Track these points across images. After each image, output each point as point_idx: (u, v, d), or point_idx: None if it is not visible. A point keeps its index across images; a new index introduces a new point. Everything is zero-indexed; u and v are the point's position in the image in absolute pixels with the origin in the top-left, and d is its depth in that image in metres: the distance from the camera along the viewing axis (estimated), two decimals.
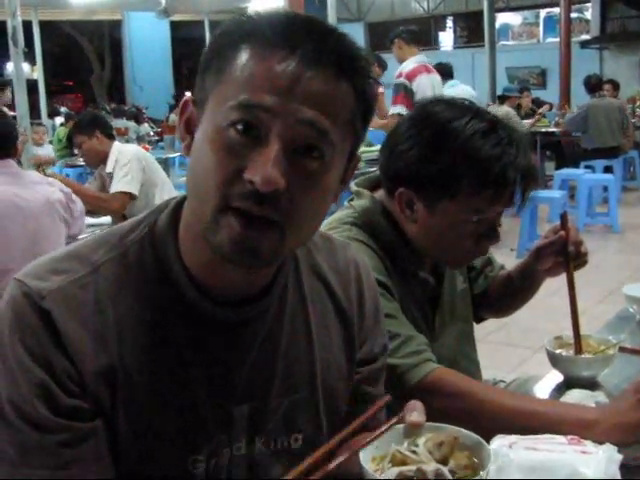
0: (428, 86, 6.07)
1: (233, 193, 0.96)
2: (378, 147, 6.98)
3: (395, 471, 0.91)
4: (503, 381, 2.28)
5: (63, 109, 17.96)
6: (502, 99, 10.45)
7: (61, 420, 1.00)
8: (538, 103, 12.70)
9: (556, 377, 1.88)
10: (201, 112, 1.02)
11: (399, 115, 5.93)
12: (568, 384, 1.80)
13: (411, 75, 6.01)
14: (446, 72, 8.04)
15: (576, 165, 9.96)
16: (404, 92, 5.97)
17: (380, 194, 1.79)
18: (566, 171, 9.49)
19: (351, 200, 1.83)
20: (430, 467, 0.91)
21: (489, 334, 4.73)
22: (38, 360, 1.00)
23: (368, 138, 7.80)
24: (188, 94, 1.15)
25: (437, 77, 6.22)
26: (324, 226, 1.74)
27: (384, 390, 1.33)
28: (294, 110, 0.95)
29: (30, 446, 0.99)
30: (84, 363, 1.01)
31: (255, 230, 0.96)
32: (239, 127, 0.95)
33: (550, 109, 13.00)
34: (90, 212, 4.66)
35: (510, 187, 1.62)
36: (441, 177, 1.61)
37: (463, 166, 1.59)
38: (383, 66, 8.63)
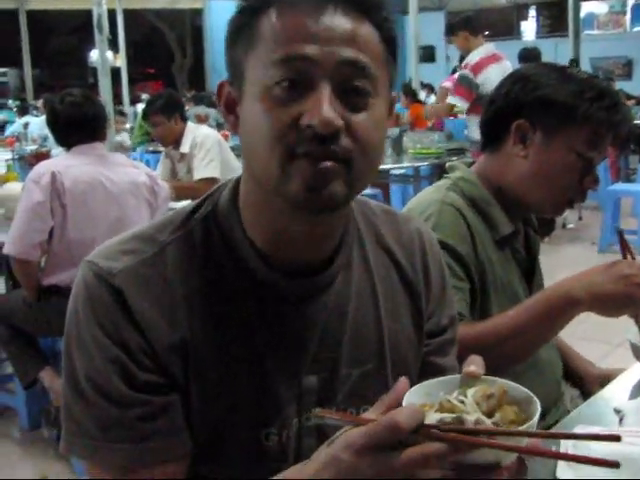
0: (498, 75, 5.93)
1: (295, 142, 0.97)
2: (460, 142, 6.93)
3: (436, 417, 0.90)
4: None
5: (144, 96, 18.24)
6: None
7: (138, 394, 1.03)
8: (624, 96, 12.40)
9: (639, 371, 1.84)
10: (240, 86, 1.04)
11: (452, 107, 5.96)
12: None
13: (477, 68, 5.86)
14: (531, 58, 7.74)
15: None
16: (467, 85, 5.86)
17: (475, 166, 1.89)
18: None
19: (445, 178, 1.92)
20: (472, 417, 0.90)
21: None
22: (112, 337, 1.03)
23: (450, 130, 7.75)
24: None
25: (508, 64, 6.01)
26: (419, 194, 1.86)
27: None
28: (334, 53, 0.97)
29: (109, 421, 1.02)
30: (156, 338, 1.04)
31: (326, 169, 0.97)
32: (285, 84, 0.98)
33: (639, 103, 12.70)
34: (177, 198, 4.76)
35: (615, 131, 1.74)
36: (565, 103, 1.71)
37: (589, 93, 1.71)
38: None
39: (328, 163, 0.97)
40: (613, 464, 0.85)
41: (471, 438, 0.85)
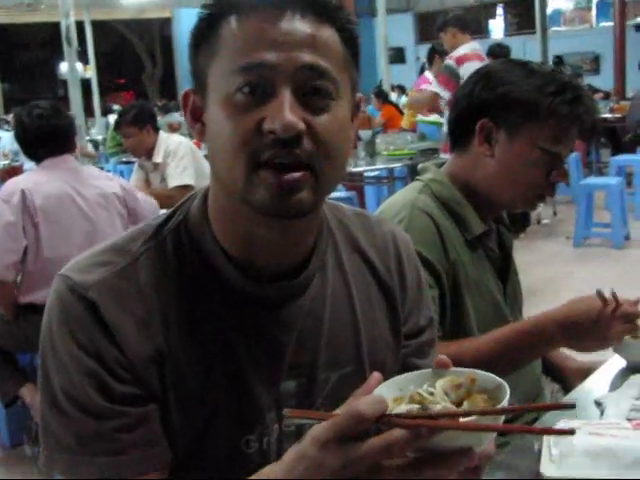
0: None
1: (258, 148, 0.98)
2: (432, 142, 6.96)
3: (405, 408, 0.91)
4: None
5: (116, 107, 18.16)
6: None
7: (114, 406, 1.02)
8: (591, 90, 12.52)
9: (619, 363, 1.85)
10: (204, 95, 1.05)
11: (436, 95, 5.94)
12: (633, 369, 1.78)
13: (460, 60, 5.89)
14: (501, 55, 7.77)
15: (633, 152, 9.76)
16: (449, 74, 5.89)
17: (445, 167, 1.90)
18: (623, 157, 9.23)
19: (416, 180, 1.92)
20: (438, 406, 0.92)
21: None
22: (88, 350, 1.03)
23: (422, 131, 7.78)
24: None
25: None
26: (393, 196, 1.87)
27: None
28: (294, 58, 0.99)
29: (87, 433, 1.01)
30: (132, 350, 1.04)
31: (290, 176, 0.98)
32: (246, 90, 0.99)
33: (606, 97, 12.82)
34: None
35: (579, 124, 1.75)
36: (527, 100, 1.72)
37: (550, 88, 1.71)
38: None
39: (294, 174, 0.98)
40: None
41: (431, 422, 0.86)
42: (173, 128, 10.63)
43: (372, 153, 6.92)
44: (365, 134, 6.85)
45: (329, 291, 1.18)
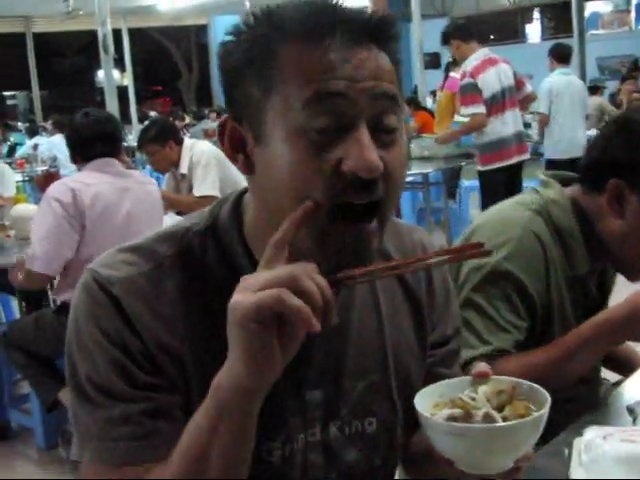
0: (495, 79, 5.91)
1: (337, 190, 0.94)
2: (468, 146, 6.94)
3: (446, 412, 0.93)
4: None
5: (153, 114, 18.32)
6: (593, 90, 10.21)
7: (140, 392, 1.03)
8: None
9: None
10: (257, 127, 0.99)
11: (478, 114, 5.84)
12: None
13: (474, 73, 5.87)
14: (561, 56, 7.53)
15: None
16: (472, 91, 5.84)
17: (570, 190, 1.78)
18: None
19: (535, 188, 1.84)
20: (480, 411, 0.93)
21: None
22: (112, 338, 1.03)
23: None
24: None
25: (504, 66, 5.99)
26: (501, 206, 1.83)
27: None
28: (368, 87, 0.95)
29: (112, 417, 1.02)
30: (154, 344, 1.04)
31: (363, 225, 0.96)
32: (323, 123, 0.94)
33: None
34: (179, 213, 4.78)
35: None
36: None
37: None
38: None
39: (368, 225, 0.96)
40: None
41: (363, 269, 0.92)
42: (208, 135, 10.71)
43: (407, 158, 6.91)
44: None
45: (356, 298, 1.17)
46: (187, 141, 5.16)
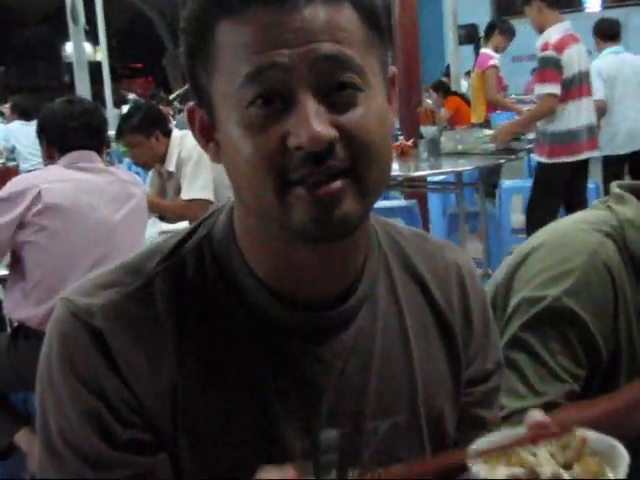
0: (576, 59, 5.90)
1: (287, 168, 0.99)
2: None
3: (504, 471, 0.91)
4: None
5: (131, 96, 18.38)
6: None
7: (118, 454, 1.03)
8: None
9: None
10: (212, 113, 1.06)
11: (552, 96, 5.78)
12: None
13: (560, 46, 5.78)
14: (608, 33, 7.58)
15: None
16: (554, 67, 5.77)
17: None
18: None
19: (606, 203, 1.81)
20: (547, 469, 0.91)
21: None
22: (90, 386, 1.04)
23: (493, 122, 7.76)
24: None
25: (582, 47, 6.03)
26: (563, 224, 1.81)
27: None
28: (308, 52, 0.98)
29: None
30: (142, 386, 1.05)
31: (327, 188, 0.99)
32: (259, 102, 0.98)
33: None
34: (162, 217, 4.83)
35: None
36: None
37: None
38: (510, 33, 8.54)
39: (331, 184, 0.99)
40: None
41: None
42: None
43: (437, 153, 6.87)
44: (428, 130, 6.83)
45: (380, 323, 1.18)
46: (176, 133, 5.12)
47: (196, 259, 1.13)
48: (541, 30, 6.06)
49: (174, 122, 11.47)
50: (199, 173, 4.90)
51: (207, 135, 1.10)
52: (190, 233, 1.16)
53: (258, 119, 0.99)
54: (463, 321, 1.26)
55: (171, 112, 13.76)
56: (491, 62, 8.30)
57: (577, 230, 1.72)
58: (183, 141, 5.00)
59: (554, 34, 5.89)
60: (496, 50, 8.40)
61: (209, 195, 4.85)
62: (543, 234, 1.78)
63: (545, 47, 5.89)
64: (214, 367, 1.09)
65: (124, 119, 5.18)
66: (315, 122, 0.96)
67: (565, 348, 1.64)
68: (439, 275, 1.26)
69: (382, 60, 1.08)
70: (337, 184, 0.99)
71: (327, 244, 1.05)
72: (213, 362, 1.09)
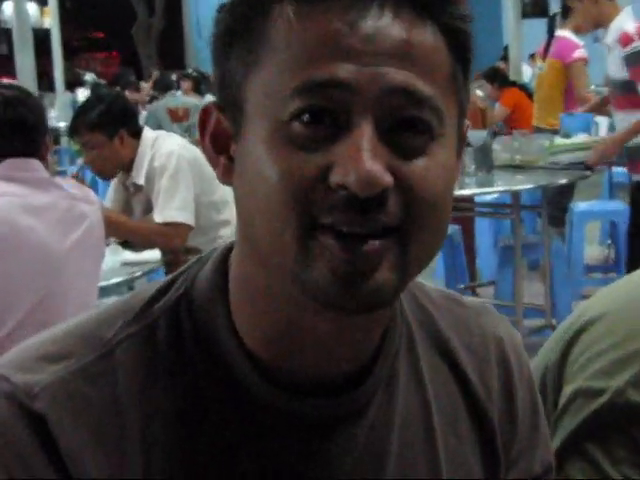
0: None
1: (319, 207, 0.99)
2: (580, 138, 6.95)
3: None
4: None
5: (90, 76, 18.34)
6: None
7: None
8: None
9: None
10: (237, 119, 1.07)
11: None
12: None
13: None
14: None
15: None
16: None
17: None
18: None
19: None
20: None
21: None
22: None
23: (564, 128, 7.77)
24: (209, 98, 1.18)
25: None
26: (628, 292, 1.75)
27: None
28: (378, 76, 0.99)
29: None
30: None
31: (368, 246, 0.99)
32: (307, 118, 0.99)
33: None
34: (125, 243, 4.79)
35: None
36: None
37: None
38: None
39: (372, 243, 0.99)
40: None
41: None
42: (176, 117, 10.72)
43: (487, 166, 6.86)
44: (476, 136, 6.80)
45: (399, 414, 1.19)
46: (147, 133, 5.06)
47: (170, 325, 1.14)
48: (598, 25, 6.30)
49: (143, 114, 11.47)
50: (177, 189, 4.83)
51: (221, 145, 1.11)
52: (163, 289, 1.17)
53: (299, 139, 1.00)
54: (505, 410, 1.28)
55: (140, 100, 13.70)
56: (578, 53, 8.27)
57: None
58: (156, 145, 4.96)
59: (628, 22, 5.97)
60: (577, 31, 8.32)
61: (189, 219, 4.81)
62: (607, 298, 1.76)
63: (626, 40, 5.93)
64: (189, 465, 1.10)
65: (80, 112, 5.13)
66: (371, 160, 0.97)
67: (633, 455, 1.62)
68: (475, 351, 1.28)
69: (461, 105, 1.09)
70: (378, 243, 0.99)
71: (349, 317, 1.05)
72: (188, 459, 1.10)
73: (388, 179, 0.97)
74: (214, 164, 1.12)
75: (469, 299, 1.38)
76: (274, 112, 1.01)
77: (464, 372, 1.26)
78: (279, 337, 1.11)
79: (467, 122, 1.14)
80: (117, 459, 1.07)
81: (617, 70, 6.08)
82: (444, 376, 1.25)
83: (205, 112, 1.13)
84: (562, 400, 1.67)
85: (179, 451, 1.10)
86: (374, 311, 1.05)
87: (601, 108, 8.21)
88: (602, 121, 8.36)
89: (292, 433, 1.12)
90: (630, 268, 5.64)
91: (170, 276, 1.20)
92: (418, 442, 1.21)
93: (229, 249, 1.17)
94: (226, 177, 1.11)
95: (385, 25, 0.99)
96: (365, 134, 0.98)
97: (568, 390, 1.66)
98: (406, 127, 1.01)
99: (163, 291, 1.17)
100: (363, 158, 0.96)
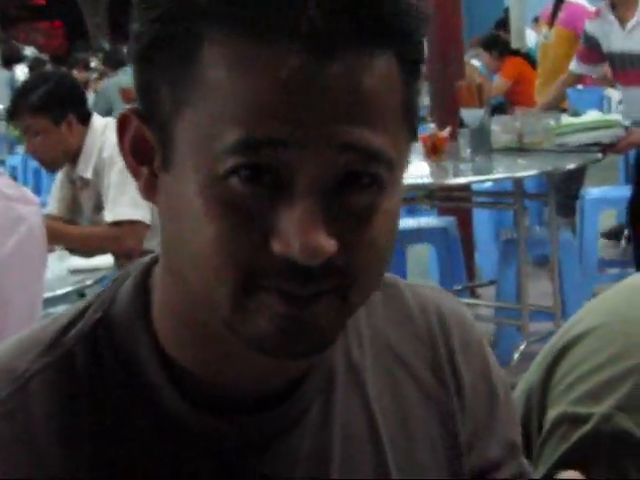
0: None
1: (258, 270, 1.03)
2: (591, 116, 6.98)
3: None
4: None
5: (30, 51, 18.25)
6: None
7: None
8: None
9: None
10: (166, 145, 1.08)
11: None
12: None
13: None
14: None
15: None
16: None
17: None
18: None
19: None
20: None
21: None
22: None
23: (573, 106, 7.78)
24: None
25: None
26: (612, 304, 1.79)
27: None
28: (328, 134, 1.00)
29: None
30: None
31: (310, 310, 1.05)
32: (244, 174, 1.01)
33: None
34: (69, 249, 4.77)
35: None
36: None
37: None
38: None
39: (315, 306, 1.05)
40: None
41: None
42: (130, 98, 10.71)
43: (486, 149, 6.82)
44: (472, 115, 6.76)
45: (338, 419, 1.26)
46: (97, 120, 5.07)
47: (87, 352, 1.18)
48: None
49: (92, 96, 11.41)
50: (129, 183, 4.52)
51: (143, 156, 1.13)
52: (78, 315, 1.21)
53: (237, 198, 1.02)
54: (455, 389, 1.34)
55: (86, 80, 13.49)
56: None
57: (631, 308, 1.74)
58: (107, 133, 4.96)
59: None
60: None
61: (144, 216, 4.81)
62: (599, 309, 1.79)
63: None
64: None
65: (22, 93, 5.12)
66: (315, 230, 1.00)
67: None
68: (422, 340, 1.35)
69: (412, 128, 1.12)
70: (320, 306, 1.05)
71: (288, 360, 1.13)
72: None
73: (332, 248, 1.01)
74: (135, 174, 1.14)
75: (401, 279, 1.42)
76: (209, 165, 1.02)
77: (411, 365, 1.33)
78: (208, 361, 1.17)
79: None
80: None
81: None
82: (390, 374, 1.32)
83: (125, 120, 1.14)
84: (546, 425, 1.70)
85: None
86: (317, 354, 1.12)
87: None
88: (614, 95, 8.36)
89: (228, 456, 1.18)
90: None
91: (84, 301, 1.23)
92: (362, 448, 1.27)
93: (150, 266, 1.22)
94: (149, 193, 1.13)
95: (336, 78, 1.00)
96: (309, 202, 1.01)
97: (552, 414, 1.70)
98: (353, 181, 1.04)
99: (78, 317, 1.21)
100: (307, 229, 1.00)
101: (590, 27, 7.28)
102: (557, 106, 7.73)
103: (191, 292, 1.10)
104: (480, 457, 1.35)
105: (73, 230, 5.00)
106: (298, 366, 1.20)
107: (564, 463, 1.63)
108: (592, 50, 7.25)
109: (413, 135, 1.13)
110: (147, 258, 1.24)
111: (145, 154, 1.12)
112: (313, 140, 1.00)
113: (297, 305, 1.04)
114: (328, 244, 1.01)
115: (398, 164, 1.08)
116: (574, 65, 7.40)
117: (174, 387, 1.16)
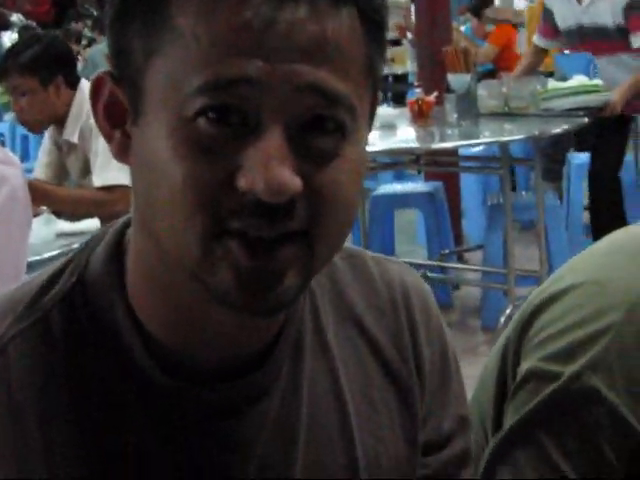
0: None
1: (225, 210, 1.04)
2: (577, 81, 6.99)
3: None
4: None
5: (17, 17, 18.19)
6: None
7: None
8: None
9: None
10: (136, 99, 1.10)
11: None
12: None
13: None
14: None
15: None
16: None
17: None
18: None
19: None
20: None
21: None
22: None
23: (559, 69, 7.79)
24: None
25: None
26: (592, 261, 1.77)
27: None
28: (291, 74, 1.03)
29: None
30: None
31: (274, 257, 1.06)
32: (212, 115, 1.03)
33: None
34: (56, 213, 4.74)
35: None
36: None
37: None
38: None
39: (280, 253, 1.06)
40: None
41: None
42: None
43: (473, 114, 6.83)
44: (459, 80, 6.77)
45: (306, 388, 1.28)
46: (84, 85, 5.00)
47: (64, 316, 1.20)
48: None
49: (81, 61, 11.36)
50: None
51: (115, 119, 1.14)
52: (51, 280, 1.22)
53: (205, 138, 1.04)
54: (415, 364, 1.36)
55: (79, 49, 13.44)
56: None
57: (616, 266, 1.73)
58: None
59: None
60: None
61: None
62: (583, 268, 1.77)
63: None
64: (94, 460, 1.17)
65: (12, 53, 5.07)
66: (280, 167, 1.02)
67: (586, 446, 1.63)
68: (384, 311, 1.37)
69: (375, 86, 1.14)
70: (288, 253, 1.06)
71: (252, 318, 1.13)
72: (92, 457, 1.17)
73: (297, 186, 1.03)
74: (108, 138, 1.16)
75: (380, 258, 1.44)
76: (177, 107, 1.04)
77: (374, 337, 1.35)
78: (180, 324, 1.18)
79: (378, 98, 1.19)
80: (18, 466, 1.14)
81: (605, 17, 6.53)
82: (353, 343, 1.34)
83: (98, 81, 1.15)
84: (518, 376, 1.68)
85: (83, 446, 1.16)
86: (279, 314, 1.14)
87: None
88: None
89: (198, 419, 1.20)
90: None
91: (59, 262, 1.24)
92: (329, 412, 1.29)
93: (123, 228, 1.23)
94: (121, 154, 1.15)
95: (301, 18, 1.02)
96: (275, 138, 1.03)
97: (524, 366, 1.68)
98: (318, 126, 1.06)
99: (51, 281, 1.22)
100: (272, 165, 1.01)
101: (549, 1, 7.45)
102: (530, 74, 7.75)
103: (161, 245, 1.11)
104: (434, 430, 1.38)
105: (61, 192, 4.97)
106: (268, 328, 1.21)
107: (531, 420, 1.64)
108: (548, 24, 7.44)
109: (375, 96, 1.16)
110: (120, 219, 1.25)
111: (118, 116, 1.14)
112: (278, 78, 1.02)
113: (262, 251, 1.05)
114: (292, 181, 1.02)
115: (361, 114, 1.10)
116: (536, 38, 7.62)
117: (149, 354, 1.17)
